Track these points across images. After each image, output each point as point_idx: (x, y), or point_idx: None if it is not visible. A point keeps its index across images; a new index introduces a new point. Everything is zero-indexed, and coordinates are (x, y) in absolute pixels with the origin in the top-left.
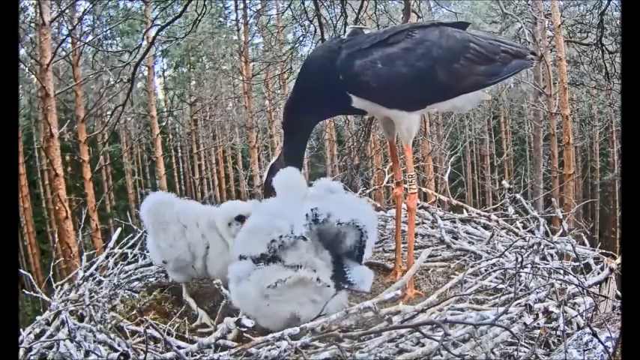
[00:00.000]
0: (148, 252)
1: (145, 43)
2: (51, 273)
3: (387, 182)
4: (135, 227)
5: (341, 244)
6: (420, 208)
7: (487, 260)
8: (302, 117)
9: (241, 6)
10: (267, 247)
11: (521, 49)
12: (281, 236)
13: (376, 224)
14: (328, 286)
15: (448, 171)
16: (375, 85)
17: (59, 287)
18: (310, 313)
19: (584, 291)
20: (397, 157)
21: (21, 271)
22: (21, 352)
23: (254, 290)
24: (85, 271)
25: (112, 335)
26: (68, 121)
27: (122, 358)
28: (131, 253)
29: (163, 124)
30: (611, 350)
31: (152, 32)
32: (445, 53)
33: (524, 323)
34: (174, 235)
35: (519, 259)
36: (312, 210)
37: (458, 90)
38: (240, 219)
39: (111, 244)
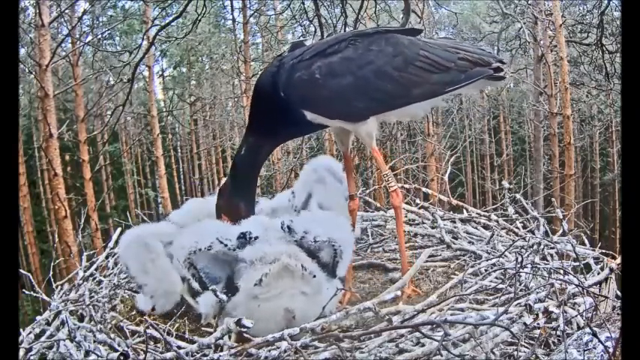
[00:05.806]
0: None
1: (145, 43)
2: (51, 273)
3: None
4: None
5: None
6: (419, 208)
7: (487, 260)
8: (257, 144)
9: (240, 5)
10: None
11: (484, 57)
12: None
13: (352, 242)
14: (314, 275)
15: (448, 171)
16: (314, 97)
17: (59, 287)
18: (304, 308)
19: (584, 291)
20: (352, 170)
21: (21, 271)
22: (21, 352)
23: (242, 295)
24: (85, 271)
25: (112, 335)
26: (68, 120)
27: (122, 358)
28: None
29: (162, 123)
30: (611, 350)
31: (152, 32)
32: (391, 61)
33: (524, 323)
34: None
35: (519, 259)
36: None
37: (408, 99)
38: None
39: (111, 244)
